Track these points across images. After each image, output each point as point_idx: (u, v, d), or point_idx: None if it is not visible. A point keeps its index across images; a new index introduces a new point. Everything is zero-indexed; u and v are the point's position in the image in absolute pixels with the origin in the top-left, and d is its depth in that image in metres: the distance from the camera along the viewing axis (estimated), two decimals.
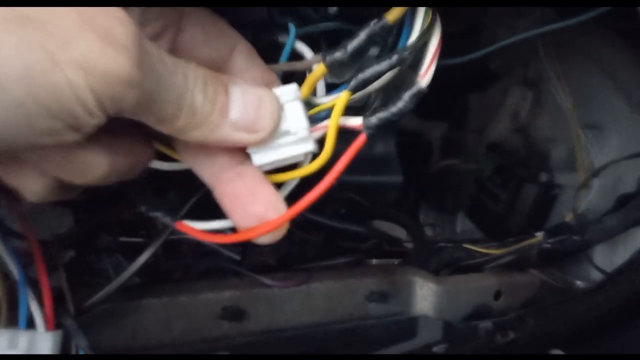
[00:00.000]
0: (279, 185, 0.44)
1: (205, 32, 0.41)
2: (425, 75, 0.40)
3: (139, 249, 0.62)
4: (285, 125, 0.40)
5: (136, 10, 0.36)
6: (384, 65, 0.41)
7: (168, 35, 0.39)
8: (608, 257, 0.88)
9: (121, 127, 0.37)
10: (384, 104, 0.42)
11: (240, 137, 0.38)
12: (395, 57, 0.40)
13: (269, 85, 0.43)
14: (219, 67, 0.42)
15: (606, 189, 0.88)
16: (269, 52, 0.46)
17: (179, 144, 0.42)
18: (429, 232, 1.15)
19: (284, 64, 0.46)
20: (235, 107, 0.38)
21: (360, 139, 0.41)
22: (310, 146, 0.41)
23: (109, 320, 0.63)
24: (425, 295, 0.80)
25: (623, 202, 0.82)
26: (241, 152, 0.41)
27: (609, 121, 0.91)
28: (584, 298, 0.80)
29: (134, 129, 0.38)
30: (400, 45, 0.42)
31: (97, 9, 0.29)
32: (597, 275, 0.87)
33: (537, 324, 0.85)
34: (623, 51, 0.85)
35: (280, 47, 0.47)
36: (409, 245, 0.89)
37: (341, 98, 0.41)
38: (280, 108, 0.40)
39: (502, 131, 1.07)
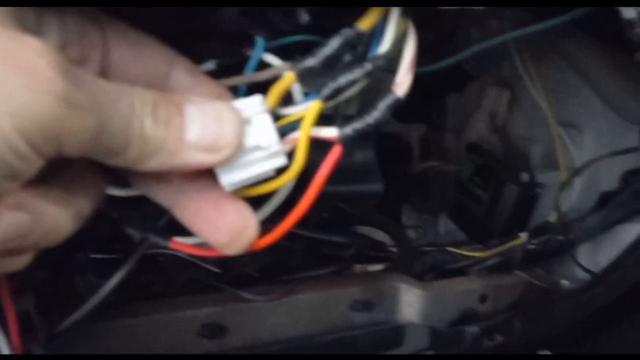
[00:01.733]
0: (258, 204, 0.42)
1: (135, 50, 0.38)
2: (401, 85, 0.39)
3: (113, 266, 0.60)
4: (253, 141, 0.38)
5: (54, 32, 0.33)
6: (357, 73, 0.39)
7: (94, 58, 0.36)
8: (592, 256, 0.87)
9: (70, 169, 0.34)
10: (360, 110, 0.40)
11: (202, 159, 0.35)
12: (369, 65, 0.39)
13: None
14: (158, 88, 0.38)
15: (588, 187, 0.87)
16: (240, 67, 0.44)
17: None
18: (411, 234, 1.14)
19: (245, 76, 0.43)
20: (193, 127, 0.34)
21: (336, 151, 0.39)
22: (282, 160, 0.39)
23: (83, 343, 0.61)
24: (410, 302, 0.79)
25: (605, 200, 0.81)
26: None
27: (585, 119, 0.91)
28: (570, 299, 0.80)
29: (83, 166, 0.35)
30: (371, 52, 0.41)
31: (10, 41, 0.27)
32: (582, 274, 0.87)
33: (524, 326, 0.84)
34: (595, 51, 0.85)
35: (247, 60, 0.45)
36: (393, 249, 0.88)
37: (312, 108, 0.39)
38: (242, 122, 0.37)
39: (480, 131, 1.06)
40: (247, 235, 0.38)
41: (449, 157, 1.11)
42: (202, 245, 0.44)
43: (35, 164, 0.28)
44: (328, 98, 0.39)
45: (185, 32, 0.45)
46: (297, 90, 0.44)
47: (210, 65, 0.46)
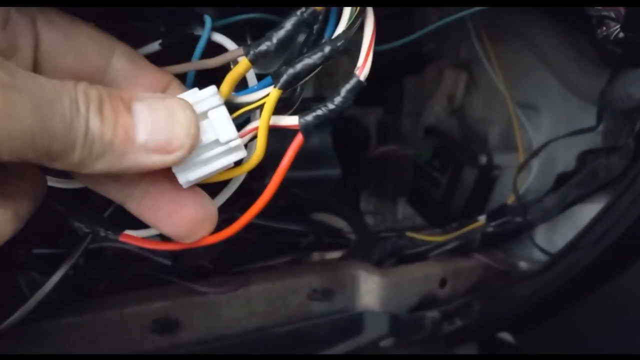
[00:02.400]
0: (216, 191, 0.40)
1: (69, 38, 0.35)
2: (363, 68, 0.37)
3: (57, 262, 0.56)
4: (210, 136, 0.35)
5: None
6: (315, 58, 0.36)
7: (24, 48, 0.33)
8: (549, 237, 0.87)
9: (4, 167, 0.31)
10: (315, 91, 0.38)
11: (154, 161, 0.32)
12: (327, 49, 0.36)
13: (164, 90, 0.38)
14: (97, 80, 0.36)
15: (545, 168, 0.87)
16: (186, 48, 0.41)
17: None
18: (370, 220, 1.12)
19: (195, 62, 0.41)
20: (143, 127, 0.32)
21: (298, 140, 0.37)
22: (242, 154, 0.37)
23: (25, 343, 0.57)
24: (369, 289, 0.77)
25: (562, 181, 0.81)
26: None
27: (542, 100, 0.90)
28: (529, 280, 0.79)
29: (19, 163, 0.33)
30: (327, 32, 0.39)
31: None
32: (539, 255, 0.87)
33: (483, 309, 0.84)
34: (551, 30, 0.84)
35: (196, 42, 0.42)
36: (351, 235, 0.86)
37: (271, 97, 0.37)
38: (197, 120, 0.34)
39: (438, 114, 1.05)
40: (207, 224, 0.37)
41: (406, 140, 1.10)
42: (155, 237, 0.42)
43: None
44: (286, 85, 0.37)
45: (125, 12, 0.42)
46: (251, 76, 0.41)
47: (154, 46, 0.43)
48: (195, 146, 0.34)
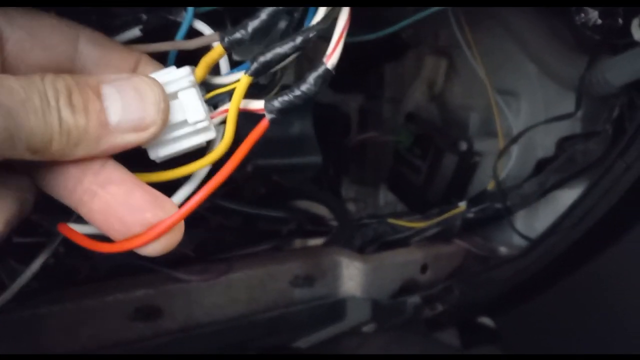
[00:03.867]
0: (181, 180, 0.39)
1: (31, 33, 0.35)
2: (331, 56, 0.37)
3: (36, 250, 0.56)
4: (180, 116, 0.36)
5: None
6: (286, 48, 0.37)
7: None
8: (529, 222, 0.88)
9: None
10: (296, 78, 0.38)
11: (130, 139, 0.34)
12: (299, 39, 0.36)
13: (134, 68, 0.38)
14: (66, 68, 0.37)
15: (524, 154, 0.88)
16: (167, 34, 0.41)
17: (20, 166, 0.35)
18: (351, 207, 1.13)
19: (172, 43, 0.41)
20: (114, 108, 0.33)
21: (262, 125, 0.37)
22: (211, 134, 0.37)
23: (4, 332, 0.57)
24: (351, 275, 0.78)
25: (541, 167, 0.82)
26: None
27: (521, 86, 0.91)
28: (508, 264, 0.80)
29: (4, 167, 0.33)
30: (308, 19, 0.39)
31: None
32: (519, 241, 0.88)
33: (462, 293, 0.85)
34: (530, 17, 0.84)
35: (178, 27, 0.42)
36: (332, 222, 0.86)
37: (241, 83, 0.37)
38: (165, 96, 0.35)
39: (418, 100, 1.05)
40: (166, 227, 0.35)
41: (387, 127, 1.10)
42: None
43: None
44: (257, 72, 0.37)
45: None
46: (224, 62, 0.41)
47: (135, 32, 0.42)
48: (166, 121, 0.35)
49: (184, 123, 0.36)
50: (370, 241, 0.86)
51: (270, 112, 0.38)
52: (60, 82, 0.31)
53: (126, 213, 0.34)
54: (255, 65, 0.38)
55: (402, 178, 1.01)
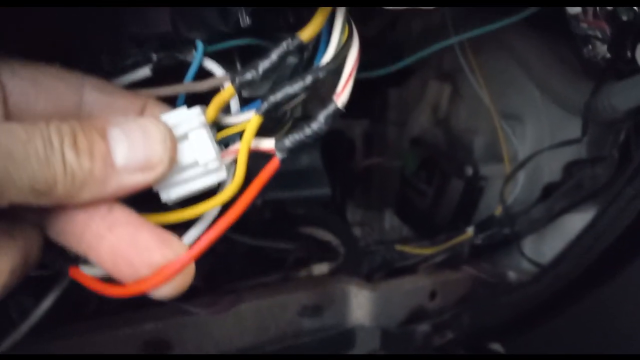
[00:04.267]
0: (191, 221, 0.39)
1: (35, 84, 0.36)
2: (341, 94, 0.37)
3: (47, 284, 0.55)
4: (191, 157, 0.36)
5: None
6: (296, 87, 0.37)
7: None
8: (537, 247, 0.87)
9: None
10: (305, 113, 0.38)
11: (137, 180, 0.33)
12: (309, 79, 0.37)
13: (141, 113, 0.39)
14: (73, 117, 0.37)
15: (531, 179, 0.88)
16: (177, 73, 0.41)
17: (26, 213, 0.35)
18: (357, 231, 1.12)
19: (183, 85, 0.41)
20: (120, 149, 0.33)
21: (273, 164, 0.37)
22: (222, 175, 0.37)
23: None
24: (360, 304, 0.77)
25: (549, 191, 0.82)
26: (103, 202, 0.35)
27: (526, 111, 0.91)
28: (518, 291, 0.80)
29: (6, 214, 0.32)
30: (317, 60, 0.39)
31: None
32: (527, 266, 0.87)
33: (472, 320, 0.84)
34: (534, 41, 0.85)
35: (187, 66, 0.42)
36: (339, 248, 0.86)
37: (251, 122, 0.38)
38: (172, 135, 0.35)
39: (423, 124, 1.05)
40: (176, 268, 0.34)
41: (392, 150, 1.10)
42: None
43: None
44: (268, 112, 0.37)
45: (116, 38, 0.41)
46: (234, 101, 0.41)
47: (145, 71, 0.42)
48: (174, 160, 0.35)
49: (195, 164, 0.36)
50: (377, 268, 0.86)
51: (281, 151, 0.38)
52: (65, 126, 0.32)
53: (134, 255, 0.34)
54: (265, 105, 0.38)
55: (408, 202, 1.01)
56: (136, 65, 0.43)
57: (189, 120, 0.36)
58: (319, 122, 0.38)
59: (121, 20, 0.42)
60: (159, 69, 0.44)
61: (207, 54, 0.43)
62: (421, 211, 0.97)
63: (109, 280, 0.37)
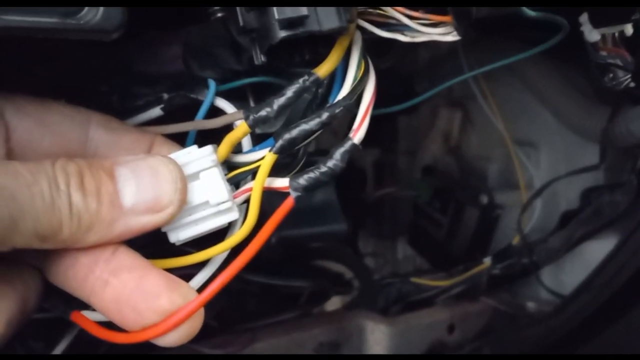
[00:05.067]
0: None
1: (40, 121, 0.35)
2: (358, 131, 0.36)
3: (54, 326, 0.54)
4: (202, 197, 0.34)
5: None
6: (312, 124, 0.36)
7: None
8: (556, 275, 0.86)
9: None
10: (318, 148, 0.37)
11: (145, 222, 0.32)
12: (325, 115, 0.36)
13: (148, 150, 0.38)
14: (78, 154, 0.36)
15: (548, 207, 0.86)
16: (186, 110, 0.40)
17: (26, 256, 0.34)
18: (370, 262, 1.10)
19: (193, 123, 0.40)
20: (128, 190, 0.31)
21: (288, 204, 0.36)
22: (234, 215, 0.36)
23: None
24: (377, 340, 0.75)
25: (567, 219, 0.80)
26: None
27: (540, 137, 0.90)
28: (539, 324, 0.77)
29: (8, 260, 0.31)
30: (332, 95, 0.38)
31: None
32: (546, 295, 0.85)
33: (493, 354, 0.82)
34: (546, 67, 0.84)
35: (199, 104, 0.41)
36: (353, 281, 0.84)
37: (266, 161, 0.36)
38: (183, 175, 0.33)
39: (435, 153, 1.04)
40: (184, 314, 0.32)
41: (403, 179, 1.09)
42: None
43: None
44: (282, 150, 0.36)
45: (127, 79, 0.40)
46: (246, 139, 0.40)
47: (156, 111, 0.41)
48: (184, 201, 0.33)
49: (206, 204, 0.35)
50: (393, 301, 0.84)
51: (295, 190, 0.36)
52: (72, 166, 0.30)
53: (140, 300, 0.32)
54: (280, 142, 0.36)
55: (423, 233, 1.00)
56: (147, 105, 0.42)
57: (200, 160, 0.35)
58: (335, 159, 0.36)
59: (132, 59, 0.41)
60: (170, 108, 0.43)
61: (219, 93, 0.42)
62: (436, 241, 0.95)
63: (113, 325, 0.35)
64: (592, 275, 0.73)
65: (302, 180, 0.36)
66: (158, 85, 0.42)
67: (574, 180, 0.82)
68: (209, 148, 0.36)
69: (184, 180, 0.33)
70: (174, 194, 0.32)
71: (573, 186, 0.83)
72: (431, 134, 1.05)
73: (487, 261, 0.83)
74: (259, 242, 0.35)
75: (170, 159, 0.33)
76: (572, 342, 0.78)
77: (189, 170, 0.34)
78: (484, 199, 0.89)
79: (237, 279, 0.65)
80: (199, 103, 0.42)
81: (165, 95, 0.42)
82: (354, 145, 0.36)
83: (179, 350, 0.63)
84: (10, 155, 0.34)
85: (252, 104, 0.46)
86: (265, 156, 0.37)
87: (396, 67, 0.95)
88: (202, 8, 0.41)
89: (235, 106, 0.42)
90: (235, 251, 0.36)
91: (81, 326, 0.36)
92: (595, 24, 0.47)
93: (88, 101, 0.41)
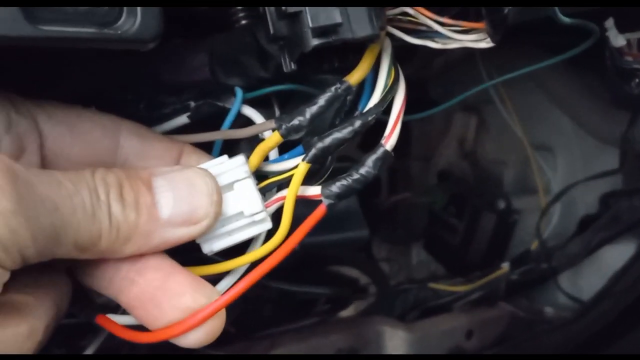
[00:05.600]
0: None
1: (71, 128, 0.35)
2: (390, 138, 0.36)
3: (79, 332, 0.54)
4: (236, 207, 0.34)
5: None
6: (345, 132, 0.35)
7: (31, 147, 0.33)
8: (574, 281, 0.85)
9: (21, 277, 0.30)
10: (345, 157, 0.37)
11: (181, 234, 0.32)
12: (358, 123, 0.35)
13: (178, 159, 0.38)
14: (108, 162, 0.36)
15: (566, 212, 0.86)
16: (213, 118, 0.40)
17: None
18: (385, 268, 1.10)
19: (222, 132, 0.39)
20: (165, 202, 0.31)
21: (320, 211, 0.36)
22: (268, 225, 0.36)
23: None
24: (395, 346, 0.75)
25: (586, 225, 0.80)
26: None
27: (557, 142, 0.90)
28: (558, 331, 0.77)
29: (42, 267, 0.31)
30: (361, 104, 0.38)
31: None
32: (564, 300, 0.85)
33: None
34: (563, 72, 0.84)
35: (225, 112, 0.41)
36: (369, 287, 0.84)
37: (299, 171, 0.36)
38: (219, 188, 0.33)
39: (450, 158, 1.04)
40: (208, 313, 0.32)
41: (417, 185, 1.08)
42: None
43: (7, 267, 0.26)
44: (315, 159, 0.36)
45: (154, 88, 0.40)
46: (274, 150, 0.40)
47: (182, 119, 0.41)
48: (219, 214, 0.33)
49: (240, 215, 0.35)
50: (411, 307, 0.83)
51: (328, 197, 0.36)
52: (111, 177, 0.30)
53: (164, 298, 0.32)
54: (313, 151, 0.36)
55: (439, 238, 0.99)
56: (174, 113, 0.42)
57: (233, 170, 0.35)
58: (368, 166, 0.36)
59: (159, 68, 0.41)
60: (196, 116, 0.42)
61: (245, 100, 0.42)
62: (453, 247, 0.95)
63: (137, 328, 0.35)
64: (613, 281, 0.72)
65: (335, 188, 0.36)
66: (184, 94, 0.42)
67: (592, 185, 0.82)
68: (241, 158, 0.36)
69: (220, 193, 0.33)
70: (210, 206, 0.32)
71: (591, 191, 0.83)
72: (446, 139, 1.04)
73: (505, 266, 0.82)
74: (288, 248, 0.35)
75: (206, 171, 0.33)
76: (592, 348, 0.78)
77: (223, 181, 0.35)
78: (501, 204, 0.89)
79: (256, 284, 0.65)
80: (225, 111, 0.42)
81: (192, 104, 0.42)
82: (386, 152, 0.36)
83: (185, 351, 0.63)
84: (43, 163, 0.34)
85: (277, 111, 0.46)
86: (299, 165, 0.36)
87: (411, 72, 0.95)
88: (227, 16, 0.41)
89: (261, 114, 0.42)
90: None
91: (106, 328, 0.36)
92: (622, 28, 0.47)
93: (115, 110, 0.41)
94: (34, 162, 0.33)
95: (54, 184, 0.28)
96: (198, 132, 0.42)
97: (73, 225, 0.28)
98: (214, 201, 0.33)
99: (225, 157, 0.37)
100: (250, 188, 0.35)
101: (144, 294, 0.32)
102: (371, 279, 0.79)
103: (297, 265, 0.75)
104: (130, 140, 0.37)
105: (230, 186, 0.35)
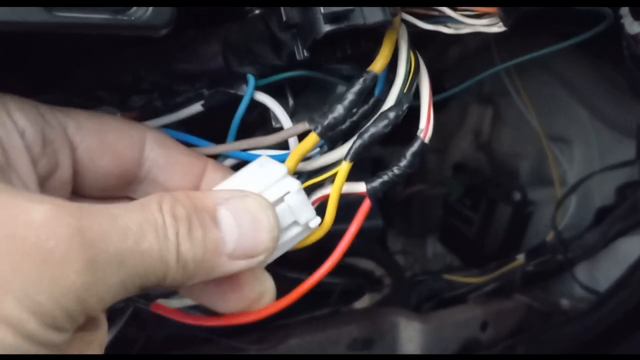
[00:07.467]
0: None
1: (100, 138, 0.34)
2: (427, 131, 0.37)
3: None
4: (290, 218, 0.35)
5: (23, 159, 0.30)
6: (381, 126, 0.36)
7: (64, 162, 0.33)
8: (591, 272, 0.84)
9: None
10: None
11: (240, 267, 0.32)
12: (392, 115, 0.36)
13: (201, 174, 0.37)
14: (132, 173, 0.36)
15: (582, 203, 0.85)
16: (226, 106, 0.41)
17: None
18: (400, 260, 1.10)
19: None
20: (230, 237, 0.31)
21: (366, 206, 0.37)
22: (316, 222, 0.36)
23: None
24: (410, 337, 0.75)
25: (602, 215, 0.79)
26: None
27: (573, 133, 0.89)
28: (575, 322, 0.76)
29: None
30: (377, 88, 0.38)
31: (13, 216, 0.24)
32: (580, 292, 0.84)
33: (528, 353, 0.81)
34: (579, 62, 0.83)
35: (239, 99, 0.41)
36: (384, 278, 0.84)
37: (342, 169, 0.37)
38: (277, 221, 0.33)
39: (465, 150, 1.03)
40: (265, 299, 0.35)
41: (432, 177, 1.08)
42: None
43: (72, 329, 0.25)
44: (357, 157, 0.37)
45: (167, 76, 0.41)
46: (293, 139, 0.41)
47: (197, 107, 0.42)
48: (276, 246, 0.33)
49: (294, 224, 0.35)
50: (426, 298, 0.83)
51: (374, 194, 0.37)
52: (180, 210, 0.29)
53: (231, 290, 0.34)
54: (355, 149, 0.37)
55: (454, 230, 0.99)
56: (188, 102, 0.43)
57: (279, 183, 0.35)
58: (407, 160, 0.37)
59: (173, 57, 0.41)
60: (210, 104, 0.43)
61: (258, 87, 0.42)
62: (468, 239, 0.94)
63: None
64: (629, 272, 0.72)
65: (377, 184, 0.37)
66: (198, 82, 0.42)
67: (608, 175, 0.81)
68: (283, 169, 0.36)
69: (279, 227, 0.33)
70: (270, 242, 0.32)
71: (607, 182, 0.82)
72: (461, 131, 1.04)
73: (521, 258, 0.82)
74: (346, 244, 0.37)
75: (267, 202, 0.33)
76: (608, 340, 0.77)
77: (273, 196, 0.34)
78: (517, 196, 0.89)
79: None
80: (238, 98, 0.42)
81: (206, 92, 0.42)
82: (423, 144, 0.37)
83: (185, 351, 0.64)
84: (74, 175, 0.34)
85: (290, 100, 0.46)
86: (342, 164, 0.37)
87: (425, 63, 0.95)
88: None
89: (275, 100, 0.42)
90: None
91: (162, 314, 0.38)
92: (637, 15, 0.47)
93: (129, 99, 0.42)
94: (67, 177, 0.33)
95: (120, 232, 0.26)
96: (212, 119, 0.43)
97: (140, 274, 0.27)
98: (274, 237, 0.32)
99: (259, 161, 0.37)
100: (302, 198, 0.35)
101: (208, 287, 0.34)
102: (386, 270, 0.79)
103: (313, 256, 0.76)
104: (155, 151, 0.37)
105: (281, 199, 0.35)
